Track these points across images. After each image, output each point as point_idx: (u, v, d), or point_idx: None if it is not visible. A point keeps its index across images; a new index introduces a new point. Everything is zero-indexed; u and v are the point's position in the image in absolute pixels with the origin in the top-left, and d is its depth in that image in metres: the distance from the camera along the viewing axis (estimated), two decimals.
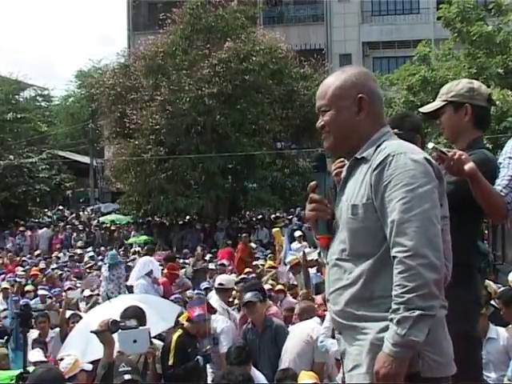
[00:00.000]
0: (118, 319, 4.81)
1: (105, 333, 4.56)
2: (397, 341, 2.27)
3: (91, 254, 20.44)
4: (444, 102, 3.55)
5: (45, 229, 27.80)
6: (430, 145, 3.08)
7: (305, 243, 16.77)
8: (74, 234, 27.36)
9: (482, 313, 5.90)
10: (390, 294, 2.33)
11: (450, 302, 2.47)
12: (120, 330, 5.47)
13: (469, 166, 3.02)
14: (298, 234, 17.87)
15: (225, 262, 16.15)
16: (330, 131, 2.65)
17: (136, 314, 5.86)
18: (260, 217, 29.73)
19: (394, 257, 2.33)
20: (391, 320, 2.30)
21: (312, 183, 2.67)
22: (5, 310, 10.55)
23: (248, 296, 6.95)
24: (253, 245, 20.54)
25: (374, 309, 2.39)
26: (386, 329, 2.33)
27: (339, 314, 2.49)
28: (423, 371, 2.34)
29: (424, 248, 2.29)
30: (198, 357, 6.06)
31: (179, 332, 6.23)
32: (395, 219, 2.35)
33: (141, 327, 5.48)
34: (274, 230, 17.51)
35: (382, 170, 2.44)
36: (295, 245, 16.34)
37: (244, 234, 19.18)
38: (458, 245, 2.62)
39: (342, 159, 2.87)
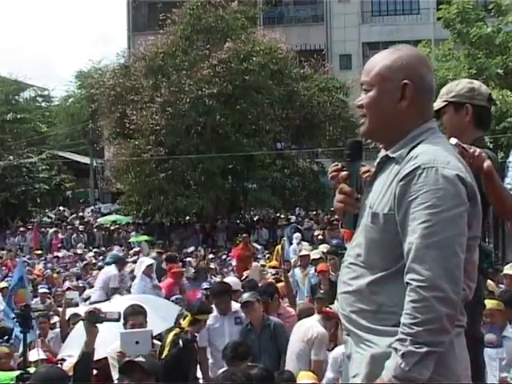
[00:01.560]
0: (103, 311, 4.81)
1: (85, 322, 4.65)
2: (398, 374, 2.14)
3: (91, 254, 20.44)
4: (444, 103, 3.56)
5: (55, 228, 27.97)
6: (453, 140, 3.02)
7: (305, 243, 16.79)
8: (75, 235, 27.38)
9: (501, 310, 5.93)
10: (398, 311, 2.21)
11: None
12: (122, 330, 5.48)
13: (487, 163, 3.01)
14: (296, 236, 17.87)
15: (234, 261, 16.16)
16: (367, 114, 2.40)
17: (143, 312, 5.90)
18: (260, 217, 29.75)
19: (408, 283, 2.17)
20: (396, 349, 2.16)
21: (343, 173, 2.46)
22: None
23: (245, 296, 6.98)
24: (257, 246, 20.50)
25: (379, 322, 2.28)
26: (389, 346, 2.21)
27: (346, 318, 2.40)
28: None
29: (441, 280, 2.13)
30: (180, 340, 6.02)
31: (176, 331, 6.22)
32: (414, 242, 2.17)
33: (144, 329, 5.48)
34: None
35: (408, 183, 2.23)
36: (294, 247, 16.36)
37: (244, 234, 19.19)
38: None
39: (336, 163, 2.69)
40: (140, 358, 4.53)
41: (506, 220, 3.33)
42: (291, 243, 16.82)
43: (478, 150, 3.03)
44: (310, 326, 6.37)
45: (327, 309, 6.40)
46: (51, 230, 27.30)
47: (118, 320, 4.80)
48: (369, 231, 2.35)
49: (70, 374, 5.64)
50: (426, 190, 2.20)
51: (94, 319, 4.64)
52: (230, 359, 5.77)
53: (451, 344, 2.25)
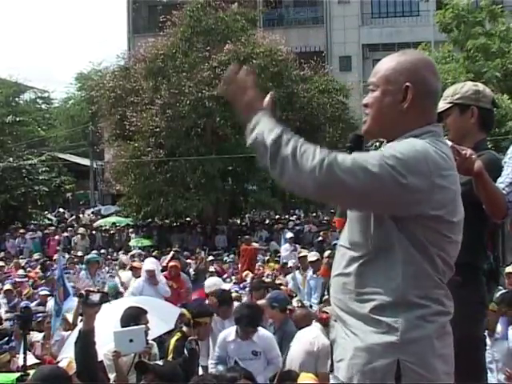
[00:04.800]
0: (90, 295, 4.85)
1: (80, 303, 4.80)
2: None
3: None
4: (450, 104, 3.56)
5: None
6: (448, 143, 3.06)
7: (297, 245, 16.84)
8: (75, 237, 27.30)
9: (495, 310, 5.96)
10: (380, 291, 2.29)
11: (457, 303, 2.45)
12: (116, 330, 5.48)
13: (477, 164, 3.05)
14: (288, 235, 17.87)
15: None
16: (370, 113, 2.48)
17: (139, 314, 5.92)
18: (260, 219, 29.73)
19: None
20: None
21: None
22: (7, 312, 10.52)
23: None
24: (258, 246, 20.43)
25: (363, 304, 2.33)
26: (373, 342, 2.28)
27: (335, 301, 2.46)
28: (404, 381, 2.26)
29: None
30: (185, 350, 6.03)
31: (177, 336, 6.21)
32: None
33: (136, 326, 5.48)
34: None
35: None
36: (286, 247, 16.39)
37: (246, 236, 19.21)
38: (466, 244, 2.61)
39: None
40: (159, 362, 4.60)
41: (496, 220, 3.36)
42: (287, 244, 16.86)
43: (470, 151, 3.06)
44: (316, 338, 6.27)
45: (324, 315, 6.34)
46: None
47: (100, 303, 4.77)
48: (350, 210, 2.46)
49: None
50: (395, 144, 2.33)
51: (84, 299, 4.70)
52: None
53: (429, 339, 2.28)
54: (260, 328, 6.53)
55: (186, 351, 5.91)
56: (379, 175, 2.19)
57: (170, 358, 5.92)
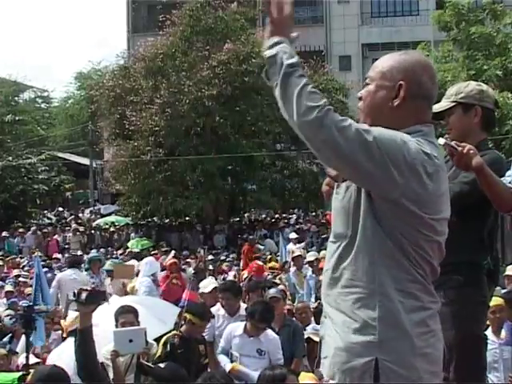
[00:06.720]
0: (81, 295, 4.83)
1: (75, 302, 4.81)
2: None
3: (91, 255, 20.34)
4: (453, 103, 3.55)
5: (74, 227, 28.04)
6: (442, 140, 3.01)
7: (300, 245, 16.79)
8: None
9: (505, 306, 5.92)
10: (358, 284, 2.29)
11: (459, 302, 2.45)
12: (115, 329, 5.48)
13: (476, 160, 3.02)
14: (292, 236, 17.84)
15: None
16: (363, 107, 2.52)
17: (133, 311, 5.88)
18: (260, 218, 29.74)
19: None
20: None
21: None
22: (6, 310, 10.49)
23: (272, 292, 7.10)
24: (260, 246, 20.45)
25: (344, 297, 2.34)
26: (348, 335, 2.29)
27: (325, 297, 2.46)
28: (382, 380, 2.26)
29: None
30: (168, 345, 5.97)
31: (172, 334, 6.19)
32: None
33: (136, 327, 5.47)
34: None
35: None
36: (290, 246, 16.38)
37: (251, 237, 19.24)
38: (467, 243, 2.62)
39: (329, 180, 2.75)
40: (161, 365, 4.58)
41: (504, 213, 3.37)
42: (291, 243, 16.83)
43: (468, 146, 3.04)
44: None
45: None
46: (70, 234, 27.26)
47: (84, 302, 4.74)
48: (334, 202, 2.49)
49: (71, 328, 5.58)
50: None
51: (74, 298, 4.69)
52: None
53: (408, 338, 2.27)
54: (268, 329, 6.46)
55: (168, 347, 5.85)
56: (366, 139, 2.22)
57: (158, 353, 5.87)
